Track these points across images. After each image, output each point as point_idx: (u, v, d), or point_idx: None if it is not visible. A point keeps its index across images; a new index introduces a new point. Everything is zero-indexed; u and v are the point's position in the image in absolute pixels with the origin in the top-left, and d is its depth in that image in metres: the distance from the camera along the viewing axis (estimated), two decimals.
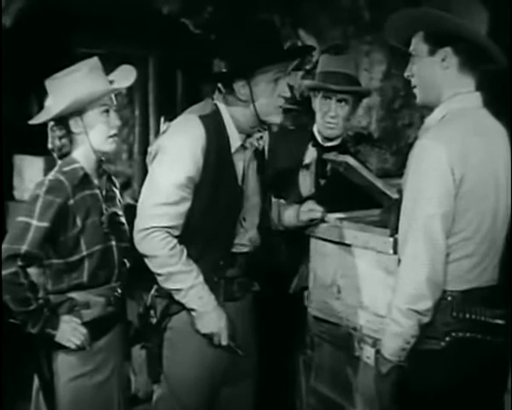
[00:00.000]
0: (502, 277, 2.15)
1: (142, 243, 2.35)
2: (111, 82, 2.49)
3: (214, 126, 2.39)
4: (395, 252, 2.18)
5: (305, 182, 3.04)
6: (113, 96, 2.48)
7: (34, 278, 2.37)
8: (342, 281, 2.52)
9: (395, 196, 2.36)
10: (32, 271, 2.37)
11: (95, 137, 2.43)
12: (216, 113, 2.42)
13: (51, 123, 2.45)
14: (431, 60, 2.09)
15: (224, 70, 2.38)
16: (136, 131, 6.96)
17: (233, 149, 2.44)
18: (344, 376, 2.52)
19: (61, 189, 2.36)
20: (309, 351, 2.71)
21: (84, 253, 2.39)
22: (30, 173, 5.03)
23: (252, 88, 2.35)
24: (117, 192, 2.62)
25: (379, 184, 2.52)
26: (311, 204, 2.67)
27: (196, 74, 5.43)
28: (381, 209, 2.53)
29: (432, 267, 1.98)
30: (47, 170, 4.77)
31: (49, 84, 2.44)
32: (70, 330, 2.38)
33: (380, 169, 4.31)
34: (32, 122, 2.49)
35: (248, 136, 2.49)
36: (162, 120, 2.57)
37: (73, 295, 2.41)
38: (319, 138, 3.07)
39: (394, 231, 2.18)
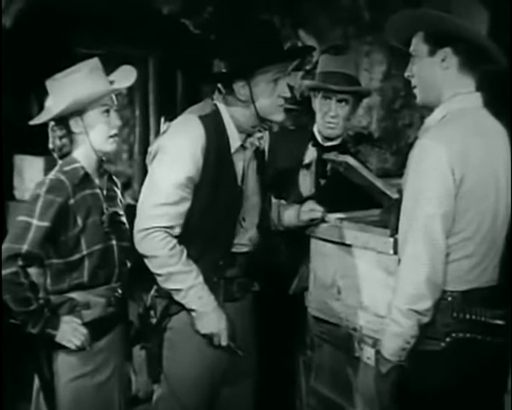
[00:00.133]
0: (502, 277, 2.15)
1: (142, 244, 2.35)
2: (111, 82, 2.49)
3: (214, 126, 2.39)
4: (395, 252, 2.18)
5: (306, 182, 3.04)
6: (113, 96, 2.48)
7: (34, 278, 2.37)
8: (342, 281, 2.52)
9: (395, 196, 2.36)
10: (32, 271, 2.37)
11: (95, 137, 2.43)
12: (216, 113, 2.42)
13: (52, 123, 2.45)
14: (431, 60, 2.09)
15: (224, 70, 2.38)
16: (136, 131, 6.96)
17: (233, 149, 2.44)
18: (344, 376, 2.52)
19: (62, 188, 2.36)
20: (309, 351, 2.71)
21: (85, 252, 2.39)
22: (30, 173, 5.03)
23: (251, 88, 2.35)
24: (118, 192, 2.62)
25: (379, 184, 2.52)
26: (311, 204, 2.67)
27: (196, 74, 5.42)
28: (381, 209, 2.53)
29: (432, 267, 1.98)
30: (47, 170, 4.77)
31: (50, 84, 2.45)
32: (70, 331, 2.38)
33: (380, 169, 4.31)
34: (32, 122, 2.49)
35: (248, 136, 2.49)
36: (162, 120, 2.57)
37: (74, 295, 2.41)
38: (319, 138, 3.07)
39: (394, 232, 2.18)
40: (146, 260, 2.38)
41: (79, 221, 2.38)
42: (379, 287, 2.34)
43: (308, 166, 3.06)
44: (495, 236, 2.09)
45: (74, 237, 2.37)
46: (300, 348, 2.81)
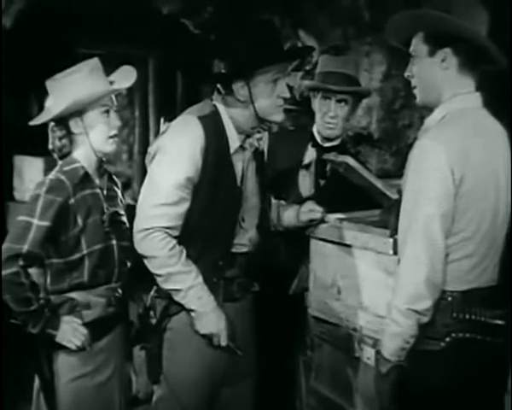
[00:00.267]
0: (502, 277, 2.15)
1: (142, 244, 2.35)
2: (111, 82, 2.49)
3: (213, 127, 2.39)
4: (395, 253, 2.18)
5: (305, 182, 3.04)
6: (113, 96, 2.48)
7: (34, 278, 2.37)
8: (342, 282, 2.52)
9: (395, 196, 2.36)
10: (32, 271, 2.37)
11: (95, 138, 2.43)
12: (215, 113, 2.42)
13: (51, 124, 2.45)
14: (431, 60, 2.09)
15: (223, 71, 2.38)
16: (136, 131, 6.96)
17: (232, 150, 2.44)
18: (344, 376, 2.52)
19: (62, 188, 2.36)
20: (309, 352, 2.71)
21: (85, 252, 2.39)
22: (30, 174, 5.02)
23: (251, 89, 2.35)
24: (118, 192, 2.62)
25: (379, 184, 2.52)
26: (310, 205, 2.67)
27: (196, 75, 5.42)
28: (381, 210, 2.53)
29: (431, 267, 1.98)
30: (47, 170, 4.77)
31: (50, 84, 2.45)
32: (71, 331, 2.38)
33: (380, 170, 4.31)
34: (32, 123, 2.49)
35: (247, 136, 2.50)
36: (162, 120, 2.57)
37: (74, 295, 2.41)
38: (319, 139, 3.07)
39: (394, 232, 2.18)
40: (145, 261, 2.38)
41: (80, 221, 2.38)
42: (379, 287, 2.34)
43: (307, 166, 3.06)
44: (495, 236, 2.09)
45: (74, 236, 2.37)
46: (300, 349, 2.81)
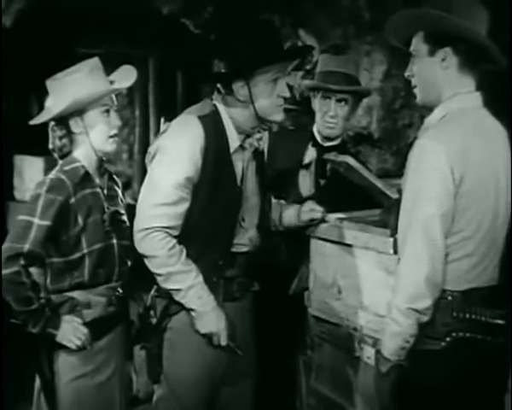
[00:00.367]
0: (502, 277, 2.15)
1: (142, 244, 2.36)
2: (111, 82, 2.49)
3: (213, 127, 2.39)
4: (395, 252, 2.18)
5: (305, 182, 3.04)
6: (113, 96, 2.48)
7: (35, 278, 2.37)
8: (343, 281, 2.52)
9: (395, 196, 2.36)
10: (32, 270, 2.36)
11: (95, 137, 2.43)
12: (215, 113, 2.42)
13: (52, 123, 2.45)
14: (431, 60, 2.09)
15: (223, 70, 2.38)
16: (136, 131, 6.97)
17: (232, 150, 2.44)
18: (344, 376, 2.52)
19: (62, 187, 2.36)
20: (309, 351, 2.71)
21: (85, 251, 2.39)
22: (30, 174, 5.03)
23: (251, 88, 2.35)
24: (119, 191, 2.62)
25: (379, 184, 2.52)
26: (311, 204, 2.67)
27: (196, 75, 5.43)
28: (381, 209, 2.53)
29: (431, 267, 1.98)
30: (47, 170, 4.76)
31: (50, 84, 2.45)
32: (71, 331, 2.38)
33: (380, 169, 4.31)
34: (32, 122, 2.49)
35: (247, 136, 2.50)
36: (162, 120, 2.58)
37: (74, 294, 2.41)
38: (319, 138, 3.07)
39: (394, 232, 2.18)
40: (146, 260, 2.38)
41: (80, 220, 2.38)
42: (379, 287, 2.34)
43: (308, 166, 3.06)
44: (495, 235, 2.09)
45: (75, 235, 2.38)
46: (301, 348, 2.81)
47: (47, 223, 2.31)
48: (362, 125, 4.36)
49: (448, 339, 2.04)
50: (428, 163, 2.00)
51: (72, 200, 2.37)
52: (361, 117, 4.30)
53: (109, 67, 2.55)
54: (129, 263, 2.55)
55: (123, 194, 2.66)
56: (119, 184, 2.66)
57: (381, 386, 2.09)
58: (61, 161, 2.47)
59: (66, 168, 2.42)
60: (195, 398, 2.49)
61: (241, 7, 4.13)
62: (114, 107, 2.48)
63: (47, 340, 2.38)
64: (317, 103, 3.04)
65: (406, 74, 2.19)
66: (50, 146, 2.49)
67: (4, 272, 2.28)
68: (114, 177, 2.65)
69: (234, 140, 2.45)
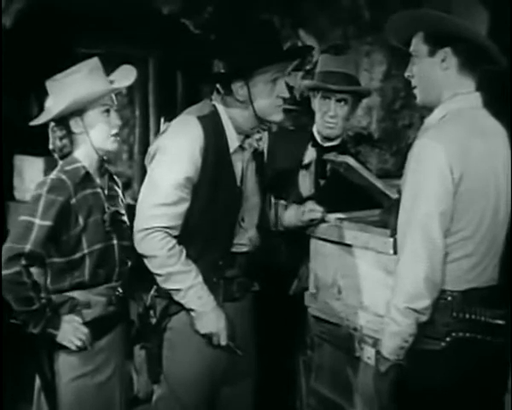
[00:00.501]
0: (502, 277, 2.15)
1: (142, 244, 2.36)
2: (111, 82, 2.49)
3: (212, 127, 2.39)
4: (395, 252, 2.18)
5: (305, 182, 3.04)
6: (113, 95, 2.48)
7: (35, 278, 2.37)
8: (343, 281, 2.52)
9: (395, 196, 2.36)
10: (32, 270, 2.36)
11: (96, 137, 2.43)
12: (214, 113, 2.43)
13: (52, 124, 2.45)
14: (431, 60, 2.10)
15: (223, 71, 2.38)
16: (136, 131, 6.96)
17: (231, 150, 2.44)
18: (344, 376, 2.52)
19: (63, 187, 2.36)
20: (309, 351, 2.71)
21: (86, 251, 2.39)
22: (30, 174, 5.03)
23: (250, 89, 2.35)
24: (119, 191, 2.62)
25: (379, 184, 2.52)
26: (311, 204, 2.67)
27: (196, 75, 5.43)
28: (381, 210, 2.53)
29: (430, 266, 1.98)
30: (47, 170, 4.76)
31: (50, 85, 2.45)
32: (71, 331, 2.38)
33: (380, 170, 4.31)
34: (32, 123, 2.49)
35: (247, 137, 2.50)
36: (162, 120, 2.58)
37: (74, 294, 2.41)
38: (318, 138, 3.07)
39: (394, 232, 2.18)
40: (145, 261, 2.38)
41: (81, 220, 2.38)
42: (379, 287, 2.34)
43: (307, 166, 3.06)
44: (495, 235, 2.09)
45: (76, 236, 2.38)
46: (300, 348, 2.81)
47: (48, 223, 2.31)
48: (362, 126, 4.36)
49: (448, 339, 2.04)
50: (428, 162, 2.00)
51: (73, 200, 2.37)
52: (361, 117, 4.30)
53: (109, 67, 2.55)
54: (129, 263, 2.55)
55: (123, 194, 2.66)
56: (120, 185, 2.67)
57: (380, 386, 2.09)
58: (61, 162, 2.47)
59: (67, 168, 2.42)
60: (195, 398, 2.49)
61: (240, 7, 4.13)
62: (114, 106, 2.48)
63: (47, 340, 2.38)
64: (316, 103, 3.04)
65: (406, 75, 2.19)
66: (51, 146, 2.49)
67: (5, 272, 2.28)
68: (115, 177, 2.65)
69: (233, 140, 2.45)
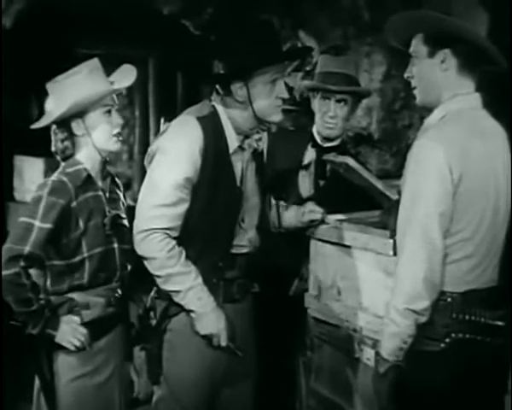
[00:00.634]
0: (501, 278, 2.15)
1: (141, 245, 2.36)
2: (111, 83, 2.48)
3: (212, 128, 2.39)
4: (395, 253, 2.18)
5: (305, 183, 3.04)
6: (114, 96, 2.48)
7: (35, 279, 2.37)
8: (342, 282, 2.52)
9: (395, 197, 2.36)
10: (32, 271, 2.36)
11: (98, 138, 2.43)
12: (214, 114, 2.43)
13: (53, 126, 2.45)
14: (431, 61, 2.10)
15: (222, 71, 2.38)
16: (136, 131, 6.97)
17: (231, 150, 2.44)
18: (344, 377, 2.52)
19: (64, 190, 2.36)
20: (309, 352, 2.71)
21: (86, 254, 2.38)
22: (30, 174, 5.03)
23: (249, 89, 2.35)
24: (120, 194, 2.61)
25: (379, 185, 2.52)
26: (311, 205, 2.67)
27: (196, 75, 5.42)
28: (381, 210, 2.53)
29: (429, 267, 1.98)
30: (47, 171, 4.78)
31: (51, 87, 2.44)
32: (70, 331, 2.37)
33: (380, 170, 4.31)
34: (34, 126, 2.47)
35: (246, 137, 2.50)
36: (162, 120, 2.57)
37: (73, 295, 2.41)
38: (318, 139, 3.07)
39: (394, 233, 2.18)
40: (145, 262, 2.38)
41: (81, 224, 2.38)
42: (379, 288, 2.34)
43: (307, 166, 3.06)
44: (494, 236, 2.09)
45: (76, 239, 2.37)
46: (300, 349, 2.81)
47: (48, 226, 2.31)
48: (362, 126, 4.36)
49: (447, 340, 2.04)
50: (427, 163, 2.00)
51: (74, 203, 2.37)
52: (361, 118, 4.30)
53: (109, 68, 2.54)
54: (129, 267, 2.55)
55: (124, 197, 2.65)
56: (121, 187, 2.65)
57: (380, 386, 2.09)
58: (63, 163, 2.46)
59: (69, 171, 2.41)
60: (195, 399, 2.49)
61: (240, 7, 4.13)
62: (116, 106, 2.48)
63: (46, 340, 2.38)
64: (316, 104, 3.04)
65: (406, 75, 2.19)
66: (53, 149, 2.48)
67: (4, 273, 2.28)
68: (116, 179, 2.64)
69: (233, 141, 2.45)
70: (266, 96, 2.37)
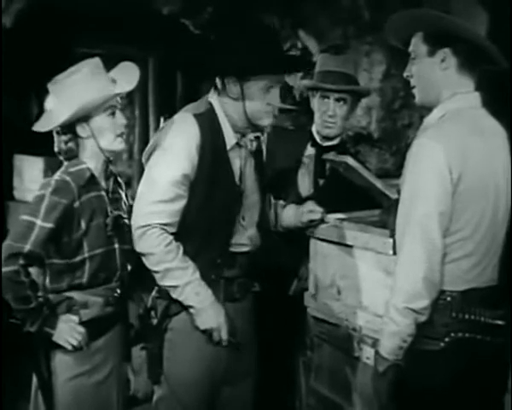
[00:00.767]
0: (501, 277, 2.15)
1: (140, 241, 2.37)
2: (113, 81, 2.46)
3: (209, 124, 2.41)
4: (395, 253, 2.18)
5: (304, 182, 3.04)
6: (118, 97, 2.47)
7: (34, 277, 2.36)
8: (342, 282, 2.52)
9: (395, 196, 2.36)
10: (31, 269, 2.36)
11: (103, 139, 2.42)
12: (210, 111, 2.44)
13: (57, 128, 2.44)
14: (430, 60, 2.10)
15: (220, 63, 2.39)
16: (136, 131, 6.96)
17: (228, 147, 2.45)
18: (343, 376, 2.52)
19: (67, 190, 2.35)
20: (309, 352, 2.71)
21: (86, 255, 2.38)
22: (30, 174, 5.03)
23: (243, 89, 2.36)
24: (122, 194, 2.60)
25: (378, 184, 2.52)
26: (310, 205, 2.67)
27: (196, 74, 5.42)
28: (381, 210, 2.53)
29: (429, 266, 1.98)
30: (47, 170, 4.78)
31: (52, 87, 2.42)
32: (68, 330, 2.37)
33: (379, 169, 4.31)
34: (38, 130, 2.45)
35: (244, 135, 2.50)
36: (162, 120, 2.58)
37: (72, 294, 2.41)
38: (318, 138, 3.07)
39: (394, 232, 2.18)
40: (143, 258, 2.39)
41: (83, 224, 2.37)
42: (378, 287, 2.34)
43: (306, 165, 3.06)
44: (494, 235, 2.09)
45: (77, 239, 2.36)
46: (300, 349, 2.81)
47: (50, 225, 2.30)
48: (361, 126, 4.36)
49: (447, 339, 2.04)
50: (426, 162, 2.00)
51: (77, 203, 2.36)
52: (360, 117, 4.30)
53: (109, 68, 2.53)
54: (129, 267, 2.55)
55: (126, 196, 2.64)
56: (123, 187, 2.65)
57: (379, 386, 2.09)
58: (66, 162, 2.46)
59: (72, 170, 2.40)
60: (196, 398, 2.49)
61: (240, 7, 4.12)
62: (119, 106, 2.47)
63: (44, 339, 2.38)
64: (315, 103, 3.04)
65: (405, 74, 2.19)
66: (56, 149, 2.46)
67: (3, 270, 2.28)
68: (119, 179, 2.63)
69: (230, 137, 2.46)
70: (258, 100, 2.38)
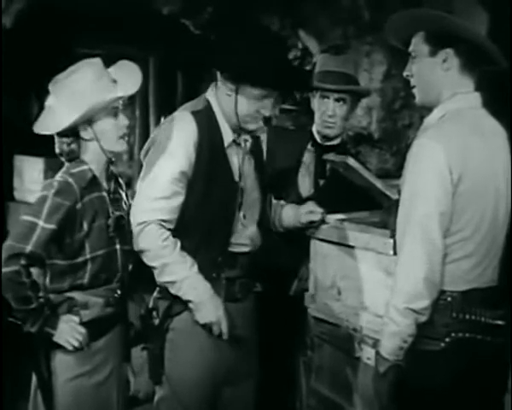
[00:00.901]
0: (502, 277, 2.15)
1: (138, 238, 2.38)
2: (114, 81, 2.45)
3: (206, 122, 2.42)
4: (395, 253, 2.18)
5: (305, 182, 3.04)
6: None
7: (35, 277, 2.36)
8: (343, 282, 2.52)
9: (395, 196, 2.36)
10: (32, 269, 2.36)
11: (105, 141, 2.41)
12: (208, 108, 2.45)
13: None
14: (432, 61, 2.09)
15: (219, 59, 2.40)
16: (136, 131, 6.96)
17: (226, 144, 2.46)
18: (344, 377, 2.52)
19: (70, 191, 2.34)
20: (309, 352, 2.71)
21: (88, 256, 2.38)
22: (30, 174, 5.02)
23: (238, 90, 2.38)
24: (123, 194, 2.60)
25: (379, 184, 2.52)
26: (311, 206, 2.67)
27: (196, 74, 5.42)
28: (381, 210, 2.53)
29: (429, 266, 1.98)
30: (47, 171, 4.77)
31: (53, 87, 2.41)
32: (68, 330, 2.37)
33: (380, 170, 4.31)
34: (40, 132, 2.43)
35: (239, 134, 2.51)
36: (162, 120, 2.58)
37: (73, 295, 2.41)
38: (318, 138, 3.07)
39: (394, 232, 2.18)
40: (142, 255, 2.40)
41: (85, 225, 2.37)
42: (379, 287, 2.34)
43: (307, 165, 3.06)
44: (495, 236, 2.09)
45: (79, 240, 2.36)
46: (301, 349, 2.81)
47: (52, 227, 2.30)
48: (362, 126, 4.35)
49: (448, 340, 2.04)
50: (427, 162, 2.00)
51: (79, 205, 2.36)
52: (361, 117, 4.29)
53: (109, 68, 2.53)
54: (130, 267, 2.55)
55: (127, 196, 2.64)
56: (124, 187, 2.65)
57: (380, 386, 2.09)
58: (67, 163, 2.45)
59: (73, 171, 2.40)
60: (197, 399, 2.49)
61: (240, 7, 4.12)
62: (121, 107, 2.47)
63: (45, 339, 2.38)
64: (315, 103, 3.04)
65: (405, 74, 2.19)
66: (57, 151, 2.45)
67: (4, 270, 2.28)
68: (120, 180, 2.63)
69: (227, 135, 2.47)
70: (249, 105, 2.39)
